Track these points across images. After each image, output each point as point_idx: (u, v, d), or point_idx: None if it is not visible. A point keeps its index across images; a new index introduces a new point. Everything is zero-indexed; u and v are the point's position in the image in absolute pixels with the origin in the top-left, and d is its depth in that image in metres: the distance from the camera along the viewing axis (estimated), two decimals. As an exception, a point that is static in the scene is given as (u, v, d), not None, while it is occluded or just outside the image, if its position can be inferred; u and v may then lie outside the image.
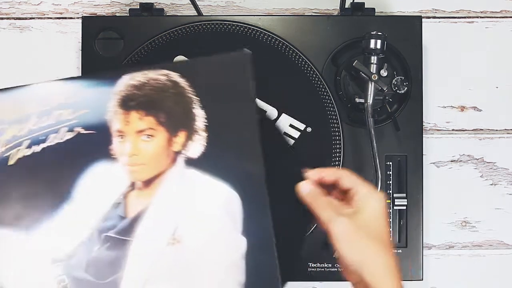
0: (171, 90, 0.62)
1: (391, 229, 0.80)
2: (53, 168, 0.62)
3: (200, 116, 0.62)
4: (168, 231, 0.62)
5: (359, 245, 0.62)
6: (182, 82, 0.62)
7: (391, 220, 0.80)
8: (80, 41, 0.82)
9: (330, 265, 0.79)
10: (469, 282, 0.88)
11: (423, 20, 0.81)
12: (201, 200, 0.62)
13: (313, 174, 0.64)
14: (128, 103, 0.62)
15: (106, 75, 0.63)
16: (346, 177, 0.64)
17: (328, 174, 0.64)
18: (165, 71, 0.62)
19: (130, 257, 0.62)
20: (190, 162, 0.62)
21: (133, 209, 0.63)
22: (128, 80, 0.62)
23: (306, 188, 0.63)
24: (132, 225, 0.62)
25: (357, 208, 0.63)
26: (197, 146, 0.62)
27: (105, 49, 0.80)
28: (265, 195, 0.61)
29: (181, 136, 0.62)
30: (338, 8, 0.83)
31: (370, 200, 0.64)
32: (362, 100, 0.77)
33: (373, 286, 0.62)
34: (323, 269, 0.79)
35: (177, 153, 0.62)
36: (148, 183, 0.63)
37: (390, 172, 0.80)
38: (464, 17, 0.88)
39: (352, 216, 0.62)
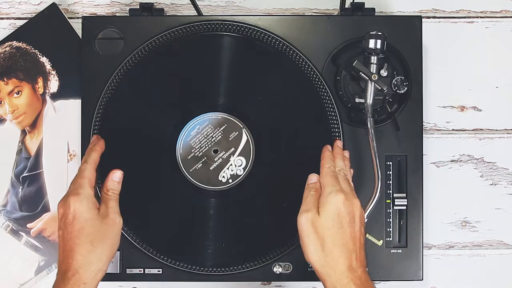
0: (18, 54, 0.85)
1: (390, 229, 0.80)
2: None
3: (45, 62, 0.85)
4: (64, 151, 0.85)
5: (313, 246, 0.64)
6: (23, 45, 0.85)
7: (391, 220, 0.80)
8: (80, 41, 0.82)
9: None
10: (469, 282, 0.88)
11: (423, 20, 0.81)
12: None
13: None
14: None
15: None
16: (322, 176, 0.69)
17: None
18: (7, 43, 0.85)
19: (47, 182, 0.85)
20: (54, 96, 0.85)
21: (33, 148, 0.85)
22: None
23: (313, 179, 0.70)
24: (37, 160, 0.85)
25: (320, 208, 0.66)
26: (53, 83, 0.85)
27: (105, 49, 0.80)
28: None
29: (40, 81, 0.85)
30: (338, 8, 0.83)
31: (327, 202, 0.66)
32: (362, 100, 0.77)
33: None
34: (323, 269, 0.79)
35: (43, 94, 0.85)
36: (33, 125, 0.86)
37: (390, 172, 0.80)
38: (464, 17, 0.88)
39: (316, 215, 0.65)
